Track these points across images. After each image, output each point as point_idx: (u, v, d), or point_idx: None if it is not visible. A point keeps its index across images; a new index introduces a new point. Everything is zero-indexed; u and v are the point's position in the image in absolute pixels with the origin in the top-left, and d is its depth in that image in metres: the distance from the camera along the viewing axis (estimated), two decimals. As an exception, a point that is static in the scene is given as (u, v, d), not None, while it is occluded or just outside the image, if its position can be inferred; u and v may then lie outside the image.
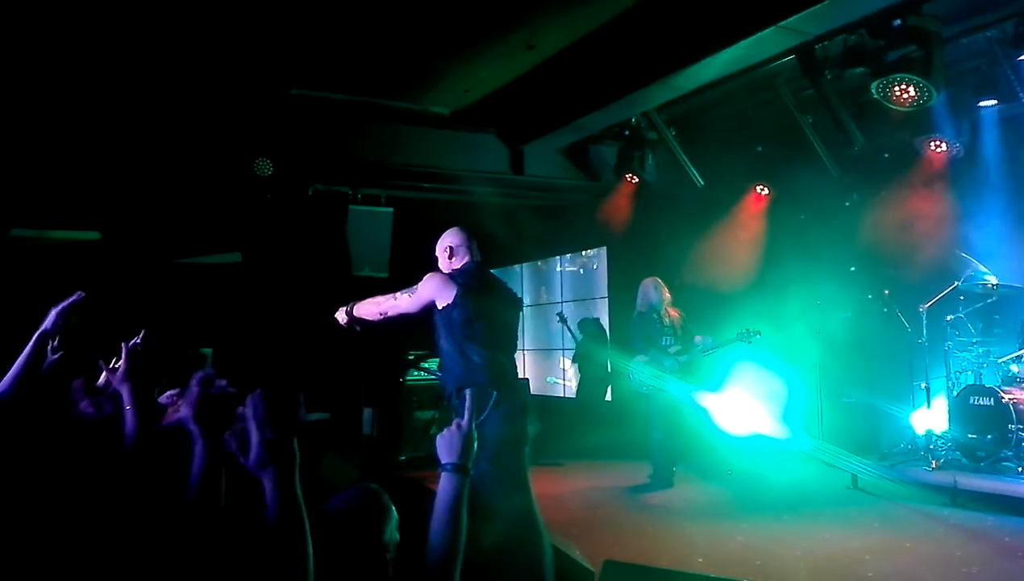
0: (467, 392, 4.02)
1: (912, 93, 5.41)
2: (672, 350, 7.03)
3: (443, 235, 4.41)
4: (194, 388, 1.94)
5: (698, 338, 7.10)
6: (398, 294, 4.26)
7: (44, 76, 6.33)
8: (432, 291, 4.16)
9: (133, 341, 2.93)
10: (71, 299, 3.38)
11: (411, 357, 8.38)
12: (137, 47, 6.06)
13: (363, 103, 7.53)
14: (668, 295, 7.25)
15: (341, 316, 4.45)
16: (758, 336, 6.77)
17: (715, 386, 6.95)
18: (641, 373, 7.10)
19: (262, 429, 1.68)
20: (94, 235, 8.71)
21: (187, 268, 9.47)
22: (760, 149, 8.02)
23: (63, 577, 1.82)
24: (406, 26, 5.90)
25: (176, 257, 9.33)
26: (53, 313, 3.33)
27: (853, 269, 7.61)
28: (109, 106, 6.69)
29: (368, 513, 1.88)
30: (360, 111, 7.60)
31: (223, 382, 1.94)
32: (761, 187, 8.01)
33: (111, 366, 3.14)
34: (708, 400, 6.61)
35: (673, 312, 7.25)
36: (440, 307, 4.15)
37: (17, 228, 8.08)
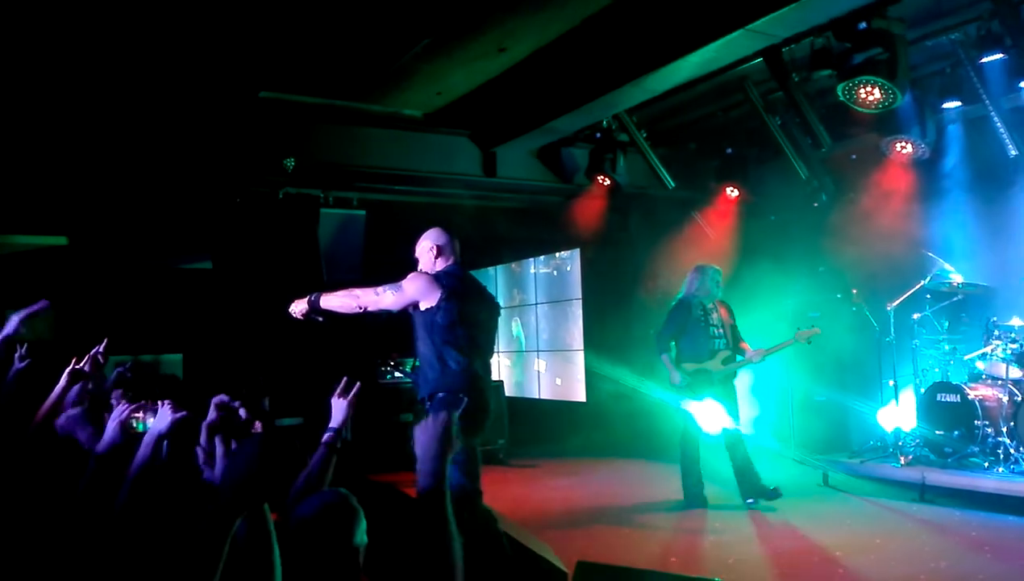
0: (439, 399, 4.03)
1: (878, 95, 5.49)
2: (722, 355, 6.26)
3: (426, 235, 4.34)
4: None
5: (746, 346, 6.31)
6: (381, 289, 4.16)
7: (5, 81, 6.22)
8: (417, 291, 4.09)
9: (95, 350, 2.91)
10: (35, 307, 3.34)
11: (390, 362, 8.34)
12: (103, 50, 5.97)
13: (334, 106, 7.49)
14: (720, 289, 6.40)
15: (301, 306, 4.29)
16: (817, 334, 6.14)
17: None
18: (680, 386, 6.27)
19: (226, 442, 1.67)
20: (61, 240, 8.57)
21: (158, 273, 9.36)
22: (730, 151, 8.09)
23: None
24: (377, 28, 5.88)
25: (146, 262, 9.22)
26: (15, 319, 3.28)
27: (822, 269, 7.71)
28: (76, 110, 6.58)
29: (338, 517, 1.88)
30: (331, 114, 7.55)
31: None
32: (731, 188, 8.08)
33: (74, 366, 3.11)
34: (691, 405, 6.60)
35: (722, 308, 6.44)
36: (423, 309, 4.10)
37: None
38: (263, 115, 7.24)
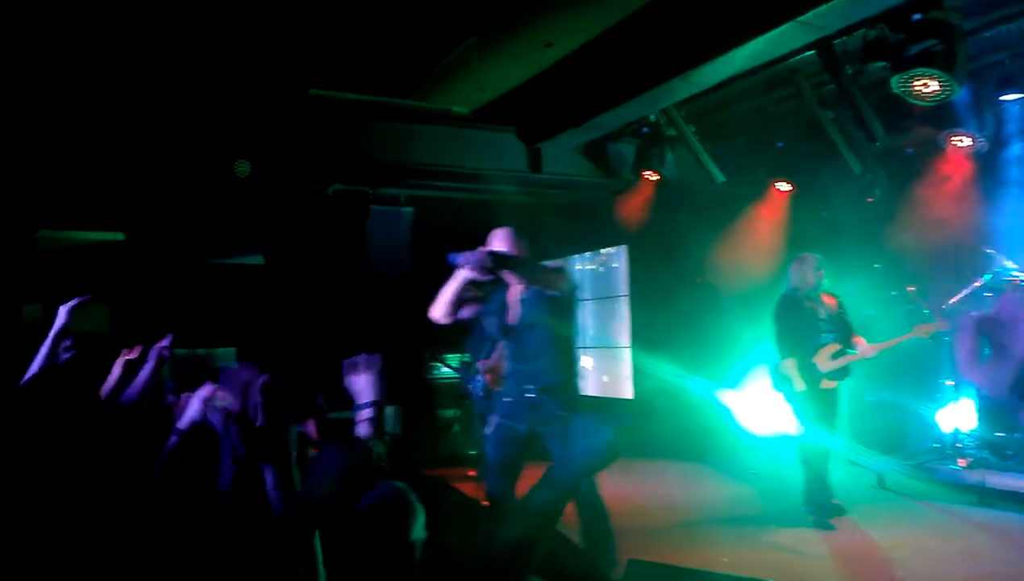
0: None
1: (934, 87, 5.34)
2: (830, 350, 5.73)
3: (509, 234, 4.30)
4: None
5: (860, 340, 5.78)
6: (555, 274, 4.20)
7: (68, 79, 6.41)
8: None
9: (159, 345, 2.98)
10: (78, 299, 3.41)
11: (439, 357, 8.38)
12: (161, 49, 6.13)
13: (382, 103, 7.57)
14: (824, 278, 5.90)
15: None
16: (941, 329, 5.76)
17: (734, 383, 6.79)
18: (787, 381, 5.79)
19: (260, 419, 1.70)
20: (119, 236, 8.81)
21: (211, 268, 9.57)
22: (781, 145, 7.97)
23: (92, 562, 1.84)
24: (424, 26, 5.92)
25: (200, 257, 9.42)
26: (63, 311, 3.36)
27: (877, 266, 7.55)
28: (134, 108, 6.77)
29: (396, 511, 1.89)
30: (379, 111, 7.64)
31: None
32: (782, 183, 7.96)
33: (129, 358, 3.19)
34: (729, 398, 6.50)
35: (829, 300, 5.93)
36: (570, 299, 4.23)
37: (44, 229, 8.19)
38: (313, 113, 7.35)
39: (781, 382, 5.85)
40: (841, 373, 5.81)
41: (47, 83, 6.38)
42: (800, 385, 5.68)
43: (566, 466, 3.80)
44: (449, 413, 8.76)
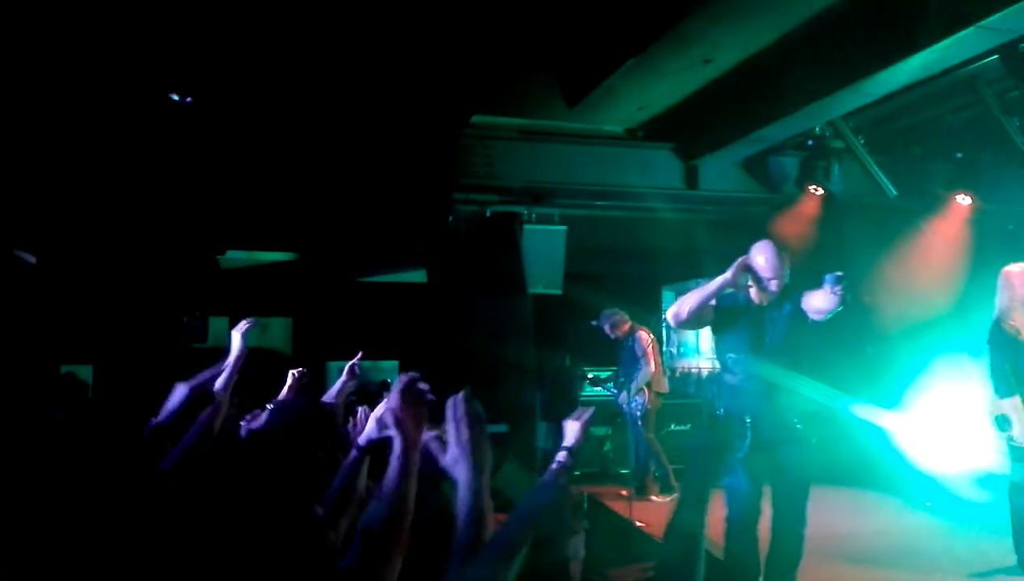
0: None
1: None
2: None
3: (772, 247, 4.22)
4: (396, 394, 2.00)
5: None
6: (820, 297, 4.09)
7: (253, 116, 7.01)
8: None
9: (352, 362, 3.16)
10: (249, 323, 3.58)
11: (589, 375, 8.38)
12: (332, 91, 6.58)
13: (538, 125, 7.74)
14: None
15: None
16: None
17: (903, 407, 6.31)
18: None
19: (461, 429, 1.75)
20: (291, 255, 9.46)
21: (375, 287, 10.09)
22: (960, 155, 7.44)
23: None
24: (583, 51, 6.01)
25: (366, 276, 9.96)
26: (238, 340, 3.51)
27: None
28: (309, 144, 7.31)
29: (553, 528, 1.88)
30: (535, 133, 7.81)
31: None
32: (962, 196, 7.42)
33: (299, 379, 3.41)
34: (899, 425, 6.04)
35: None
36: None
37: (231, 249, 8.93)
38: (472, 137, 7.63)
39: (1002, 423, 4.80)
40: None
41: (231, 127, 7.01)
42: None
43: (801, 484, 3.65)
44: (600, 431, 8.75)
